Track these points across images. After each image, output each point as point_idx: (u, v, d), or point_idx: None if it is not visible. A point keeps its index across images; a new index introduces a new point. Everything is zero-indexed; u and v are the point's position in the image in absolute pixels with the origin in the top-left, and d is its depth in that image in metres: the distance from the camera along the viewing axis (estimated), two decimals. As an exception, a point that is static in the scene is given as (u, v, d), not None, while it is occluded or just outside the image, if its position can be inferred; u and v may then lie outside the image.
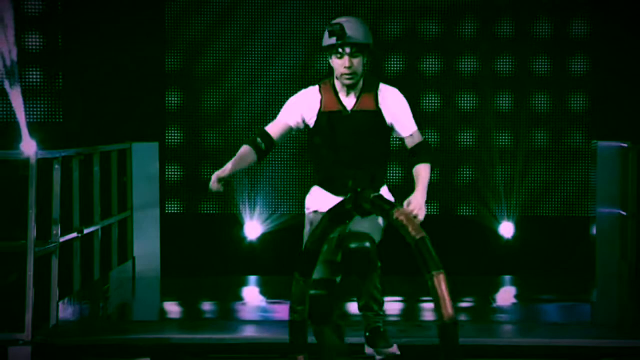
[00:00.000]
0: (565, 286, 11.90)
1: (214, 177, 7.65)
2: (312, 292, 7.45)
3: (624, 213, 12.14)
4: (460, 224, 12.90)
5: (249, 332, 9.13)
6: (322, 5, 13.15)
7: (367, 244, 7.47)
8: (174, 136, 13.14)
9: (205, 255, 13.03)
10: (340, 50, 7.53)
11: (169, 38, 13.19)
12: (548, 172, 13.18)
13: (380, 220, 7.71)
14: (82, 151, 10.83)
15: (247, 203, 13.11)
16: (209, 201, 13.19)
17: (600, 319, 10.66)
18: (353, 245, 7.46)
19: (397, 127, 7.69)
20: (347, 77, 7.58)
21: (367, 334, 7.79)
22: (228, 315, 10.37)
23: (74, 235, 10.34)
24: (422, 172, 7.71)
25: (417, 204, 7.45)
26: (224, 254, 12.95)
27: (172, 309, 11.12)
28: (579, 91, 13.17)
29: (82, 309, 10.22)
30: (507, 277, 12.29)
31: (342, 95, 7.71)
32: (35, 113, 12.81)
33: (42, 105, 12.91)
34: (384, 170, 7.90)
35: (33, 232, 8.94)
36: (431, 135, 13.19)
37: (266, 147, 7.89)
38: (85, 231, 10.69)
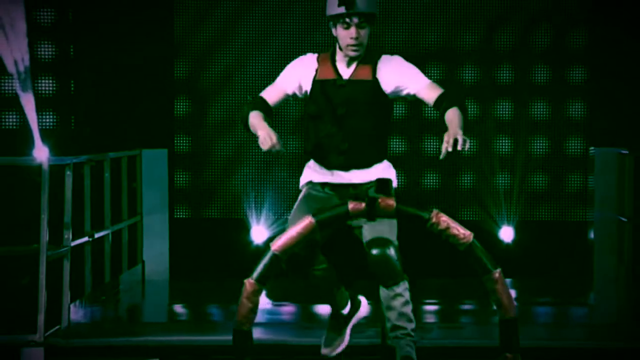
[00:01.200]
0: (563, 289, 11.91)
1: (267, 138, 6.86)
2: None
3: (622, 218, 12.14)
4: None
5: (255, 334, 9.12)
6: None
7: (390, 251, 6.89)
8: (182, 143, 13.15)
9: (212, 258, 13.04)
10: (347, 20, 7.04)
11: (178, 47, 13.20)
12: (547, 177, 13.19)
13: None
14: (93, 157, 10.87)
15: (253, 208, 13.12)
16: (216, 206, 13.20)
17: (598, 321, 10.66)
18: (375, 252, 6.90)
19: (407, 84, 7.15)
20: (353, 48, 7.10)
21: None
22: (234, 318, 10.37)
23: (85, 239, 10.38)
24: (451, 114, 6.99)
25: (453, 131, 6.81)
26: (231, 258, 12.95)
27: (180, 311, 11.14)
28: (576, 99, 13.17)
29: (92, 311, 10.25)
30: (507, 280, 12.26)
31: (341, 65, 7.22)
32: (46, 120, 12.83)
33: (54, 113, 12.92)
34: (381, 145, 7.34)
35: (45, 236, 8.97)
36: (431, 142, 13.19)
37: (266, 112, 7.25)
38: (96, 235, 10.73)
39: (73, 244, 9.58)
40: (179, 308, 11.25)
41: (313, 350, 8.32)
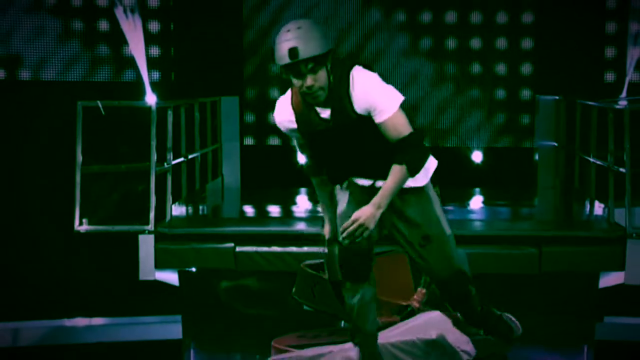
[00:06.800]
0: (516, 195, 11.87)
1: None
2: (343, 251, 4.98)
3: (556, 144, 12.09)
4: (444, 153, 12.84)
5: (301, 226, 9.12)
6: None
7: (467, 288, 4.99)
8: (250, 92, 13.13)
9: (271, 173, 13.02)
10: (296, 69, 4.68)
11: (246, 22, 13.08)
12: (506, 116, 13.09)
13: (447, 225, 5.02)
14: (187, 102, 10.84)
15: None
16: (273, 137, 13.17)
17: (540, 217, 10.65)
18: (453, 293, 5.02)
19: (374, 116, 4.76)
20: (312, 96, 4.73)
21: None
22: (287, 214, 10.38)
23: (181, 159, 10.37)
24: (389, 177, 4.75)
25: (361, 214, 4.70)
26: (285, 173, 12.94)
27: (248, 210, 11.15)
28: (527, 61, 13.04)
29: (187, 209, 10.25)
30: (477, 189, 12.26)
31: (316, 106, 4.85)
32: (155, 76, 12.83)
33: (160, 71, 12.92)
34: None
35: (154, 157, 8.97)
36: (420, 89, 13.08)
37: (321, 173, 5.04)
38: (189, 156, 10.72)
39: (173, 162, 9.58)
40: (247, 208, 11.26)
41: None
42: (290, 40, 4.63)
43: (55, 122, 11.85)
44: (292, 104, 4.91)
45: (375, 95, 4.73)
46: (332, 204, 5.07)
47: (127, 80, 12.69)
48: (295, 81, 4.72)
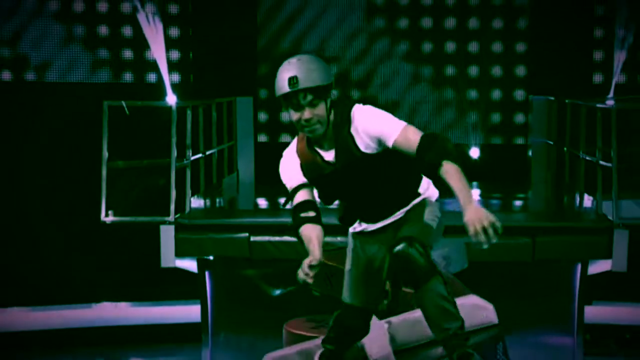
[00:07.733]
0: (511, 188, 11.94)
1: (304, 265, 4.38)
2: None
3: (549, 142, 12.16)
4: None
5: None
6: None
7: (412, 250, 4.31)
8: (263, 93, 13.17)
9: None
10: (295, 100, 4.37)
11: (260, 27, 13.12)
12: (501, 115, 13.14)
13: (431, 220, 4.57)
14: (205, 102, 10.94)
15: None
16: (286, 134, 13.20)
17: (533, 209, 10.73)
18: (396, 249, 4.34)
19: (383, 140, 4.38)
20: (310, 129, 4.44)
21: None
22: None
23: (200, 155, 10.50)
24: (453, 176, 4.26)
25: (474, 216, 4.17)
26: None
27: (262, 202, 11.23)
28: (521, 64, 13.09)
29: (205, 201, 10.39)
30: (474, 183, 12.32)
31: (320, 150, 4.54)
32: (175, 78, 12.86)
33: (180, 74, 12.96)
34: (412, 180, 4.58)
35: (174, 153, 9.10)
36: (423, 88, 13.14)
37: (316, 212, 4.59)
38: (207, 152, 10.82)
39: (192, 158, 9.76)
40: (261, 200, 11.35)
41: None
42: (290, 70, 4.39)
43: (76, 122, 11.92)
44: (297, 151, 4.66)
45: (379, 123, 4.39)
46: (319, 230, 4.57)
47: (149, 82, 12.77)
48: (293, 113, 4.44)
